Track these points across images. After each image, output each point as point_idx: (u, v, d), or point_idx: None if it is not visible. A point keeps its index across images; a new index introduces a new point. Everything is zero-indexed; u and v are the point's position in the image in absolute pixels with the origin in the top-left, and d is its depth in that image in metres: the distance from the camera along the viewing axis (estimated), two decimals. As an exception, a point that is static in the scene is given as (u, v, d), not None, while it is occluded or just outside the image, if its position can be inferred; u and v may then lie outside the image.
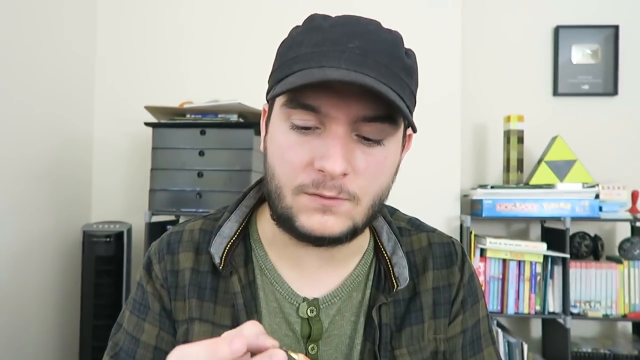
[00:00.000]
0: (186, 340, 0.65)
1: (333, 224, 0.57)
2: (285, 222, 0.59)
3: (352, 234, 0.59)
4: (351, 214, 0.57)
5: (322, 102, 0.54)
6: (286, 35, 0.62)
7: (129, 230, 1.90)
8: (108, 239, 1.82)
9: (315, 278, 0.66)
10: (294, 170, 0.56)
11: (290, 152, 0.57)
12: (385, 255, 0.67)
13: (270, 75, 0.62)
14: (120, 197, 2.16)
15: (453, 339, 0.68)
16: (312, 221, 0.57)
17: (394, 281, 0.65)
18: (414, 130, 0.58)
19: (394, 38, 0.59)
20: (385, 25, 0.60)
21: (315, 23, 0.58)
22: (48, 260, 1.87)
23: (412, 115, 0.59)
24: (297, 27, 0.61)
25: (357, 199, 0.57)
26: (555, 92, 2.22)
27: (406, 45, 0.61)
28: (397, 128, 0.58)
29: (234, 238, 0.66)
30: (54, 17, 1.89)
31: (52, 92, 1.89)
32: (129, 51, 2.16)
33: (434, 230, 0.74)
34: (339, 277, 0.66)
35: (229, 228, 0.67)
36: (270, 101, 0.62)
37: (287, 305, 0.65)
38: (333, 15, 0.60)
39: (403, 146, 0.64)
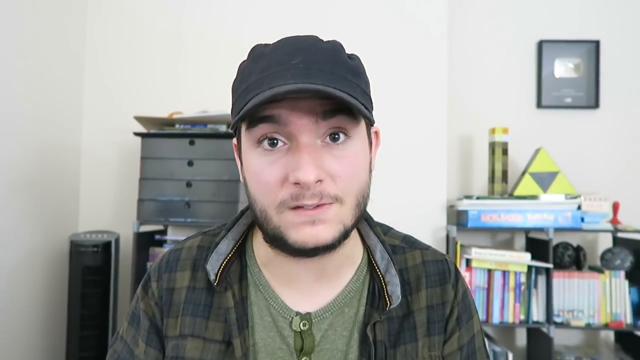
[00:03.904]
0: (176, 355, 0.67)
1: (325, 233, 0.58)
2: (278, 241, 0.60)
3: (344, 236, 0.61)
4: (339, 217, 0.59)
5: (280, 111, 0.57)
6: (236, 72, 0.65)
7: (117, 240, 1.90)
8: (96, 249, 1.82)
9: (309, 293, 0.68)
10: (272, 189, 0.58)
11: (264, 173, 0.59)
12: (379, 273, 0.68)
13: (231, 112, 0.65)
14: (108, 207, 2.16)
15: (450, 356, 0.70)
16: (304, 234, 0.58)
17: (387, 299, 0.66)
18: (371, 123, 0.60)
19: (333, 46, 0.61)
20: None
21: (258, 52, 0.62)
22: (35, 270, 1.86)
23: (371, 109, 0.63)
24: (244, 61, 0.64)
25: (341, 200, 0.59)
26: (539, 105, 2.27)
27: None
28: (357, 123, 0.60)
29: (229, 255, 0.69)
30: (43, 25, 1.90)
31: (40, 101, 1.89)
32: (119, 60, 2.17)
33: (427, 247, 0.75)
34: (332, 292, 0.68)
35: (226, 245, 0.69)
36: (238, 135, 0.65)
37: (281, 320, 0.67)
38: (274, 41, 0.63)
39: (371, 143, 0.66)
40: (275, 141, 0.58)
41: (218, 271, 0.67)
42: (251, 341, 0.66)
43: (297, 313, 0.67)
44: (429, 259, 0.73)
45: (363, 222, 0.72)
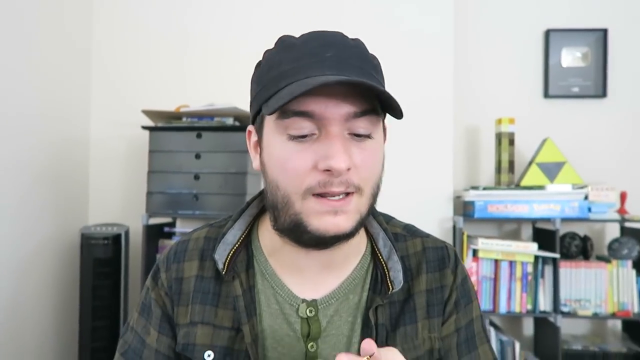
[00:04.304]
0: (187, 342, 0.69)
1: (345, 223, 0.61)
2: (296, 228, 0.62)
3: (360, 225, 0.63)
4: (358, 207, 0.62)
5: (315, 106, 0.58)
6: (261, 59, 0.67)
7: (127, 233, 1.92)
8: (106, 241, 1.85)
9: (315, 282, 0.70)
10: (299, 176, 0.60)
11: (292, 161, 0.60)
12: (382, 259, 0.70)
13: (253, 100, 0.66)
14: (117, 200, 2.18)
15: (447, 338, 0.71)
16: (326, 223, 0.60)
17: (389, 284, 0.68)
18: (400, 116, 0.63)
19: (359, 44, 0.65)
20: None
21: (288, 42, 0.63)
22: (47, 262, 1.89)
23: None
24: (270, 49, 0.66)
25: (361, 190, 0.61)
26: (546, 95, 2.25)
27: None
28: (381, 120, 0.64)
29: (236, 245, 0.71)
30: (50, 21, 1.91)
31: (49, 96, 1.91)
32: (126, 55, 2.19)
33: (428, 235, 0.77)
34: (337, 280, 0.70)
35: (233, 235, 0.71)
36: (259, 122, 0.66)
37: (288, 307, 0.69)
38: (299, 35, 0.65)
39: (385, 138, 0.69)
40: (305, 135, 0.60)
41: (225, 260, 0.69)
42: (259, 328, 0.68)
43: (304, 300, 0.69)
44: (430, 246, 0.75)
45: None
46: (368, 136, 0.61)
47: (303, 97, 0.57)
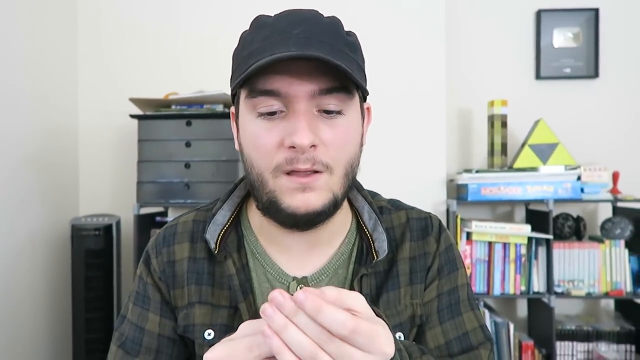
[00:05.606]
0: (187, 323, 0.70)
1: (315, 200, 0.61)
2: (271, 207, 0.63)
3: (334, 205, 0.63)
4: (329, 185, 0.62)
5: (280, 84, 0.59)
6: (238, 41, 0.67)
7: (118, 223, 1.90)
8: (97, 232, 1.83)
9: (303, 260, 0.70)
10: (268, 153, 0.61)
11: (261, 138, 0.61)
12: (367, 232, 0.72)
13: (230, 80, 0.67)
14: (108, 190, 2.16)
15: (429, 304, 0.72)
16: (296, 200, 0.61)
17: (374, 254, 0.69)
18: (366, 94, 0.63)
19: (333, 21, 0.64)
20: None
21: (261, 21, 0.64)
22: (37, 255, 1.87)
23: (365, 85, 0.65)
24: (246, 30, 0.66)
25: (331, 169, 0.62)
26: (538, 76, 2.24)
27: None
28: (353, 97, 0.63)
29: (227, 225, 0.71)
30: (35, 9, 1.86)
31: (35, 86, 1.87)
32: (112, 43, 2.14)
33: (412, 208, 0.78)
34: (325, 257, 0.71)
35: (222, 216, 0.72)
36: (236, 101, 0.67)
37: (278, 285, 0.69)
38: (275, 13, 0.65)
39: (363, 117, 0.68)
40: (273, 113, 0.61)
41: (217, 240, 0.70)
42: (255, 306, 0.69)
43: (294, 278, 0.69)
44: (414, 217, 0.76)
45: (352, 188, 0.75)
46: (339, 112, 0.61)
47: (268, 76, 0.59)
